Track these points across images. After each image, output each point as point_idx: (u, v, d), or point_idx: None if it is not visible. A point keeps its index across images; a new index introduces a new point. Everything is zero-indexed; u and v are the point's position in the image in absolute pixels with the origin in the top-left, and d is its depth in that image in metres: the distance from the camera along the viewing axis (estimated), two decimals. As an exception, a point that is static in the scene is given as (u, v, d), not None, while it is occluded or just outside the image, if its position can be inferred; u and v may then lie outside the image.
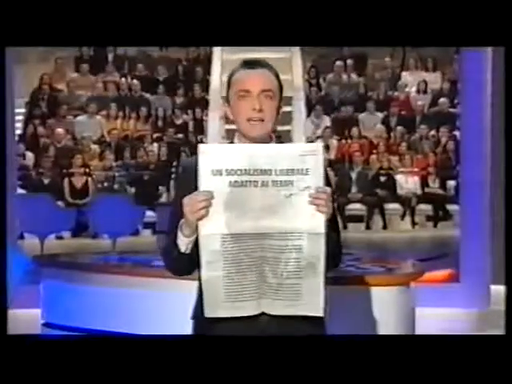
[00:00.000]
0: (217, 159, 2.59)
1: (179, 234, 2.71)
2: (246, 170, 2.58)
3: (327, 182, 2.67)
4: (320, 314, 2.65)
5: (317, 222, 2.59)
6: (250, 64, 2.88)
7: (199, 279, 2.71)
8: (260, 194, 2.59)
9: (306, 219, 2.59)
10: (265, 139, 2.83)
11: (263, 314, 2.67)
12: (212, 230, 2.60)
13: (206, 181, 2.59)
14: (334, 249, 2.76)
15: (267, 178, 2.58)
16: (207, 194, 2.60)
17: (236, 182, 2.58)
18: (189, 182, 2.71)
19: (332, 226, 2.72)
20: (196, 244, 2.66)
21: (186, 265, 2.77)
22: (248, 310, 2.64)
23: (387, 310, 5.12)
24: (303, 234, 2.60)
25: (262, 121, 2.80)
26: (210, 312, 2.65)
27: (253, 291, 2.63)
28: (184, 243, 2.71)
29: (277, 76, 2.89)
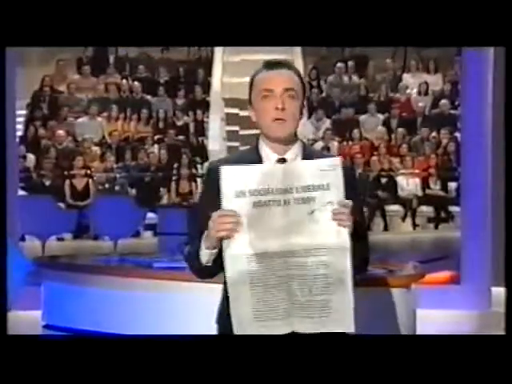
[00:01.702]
0: (239, 181, 2.62)
1: (202, 247, 2.72)
2: (267, 189, 2.60)
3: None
4: (351, 330, 2.64)
5: (342, 236, 2.59)
6: (272, 65, 2.87)
7: (224, 283, 2.72)
8: (283, 213, 2.60)
9: (330, 234, 2.60)
10: (289, 140, 2.83)
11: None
12: (237, 251, 2.61)
13: (229, 202, 2.61)
14: (363, 256, 2.76)
15: (289, 196, 2.60)
16: (234, 215, 2.61)
17: (259, 201, 2.60)
18: (215, 185, 2.70)
19: (361, 234, 2.71)
20: (220, 254, 2.67)
21: (209, 273, 2.80)
22: (278, 328, 2.64)
23: (388, 311, 5.13)
24: (329, 250, 2.60)
25: (284, 120, 2.79)
26: (239, 330, 2.65)
27: (282, 310, 2.63)
28: (206, 255, 2.72)
29: (299, 76, 2.88)
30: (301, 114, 2.85)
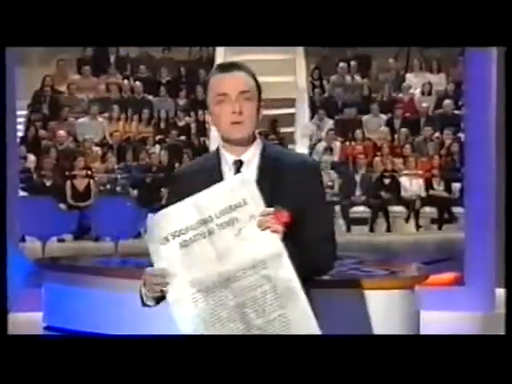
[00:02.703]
0: (162, 227, 2.61)
1: (142, 290, 2.74)
2: (187, 226, 2.59)
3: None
4: (317, 332, 2.60)
5: (273, 244, 2.56)
6: (224, 67, 2.86)
7: None
8: (210, 243, 2.59)
9: (261, 246, 2.56)
10: (247, 141, 2.82)
11: None
12: (180, 295, 2.59)
13: (157, 253, 2.60)
14: (315, 257, 2.74)
15: (210, 224, 2.59)
16: (161, 273, 2.61)
17: (185, 241, 2.59)
18: (179, 192, 2.73)
19: (306, 235, 2.71)
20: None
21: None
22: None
23: (392, 313, 5.12)
24: (265, 262, 2.56)
25: (241, 123, 2.77)
26: None
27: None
28: (148, 300, 2.76)
29: (254, 77, 2.86)
30: (258, 113, 2.83)
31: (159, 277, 2.61)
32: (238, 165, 2.81)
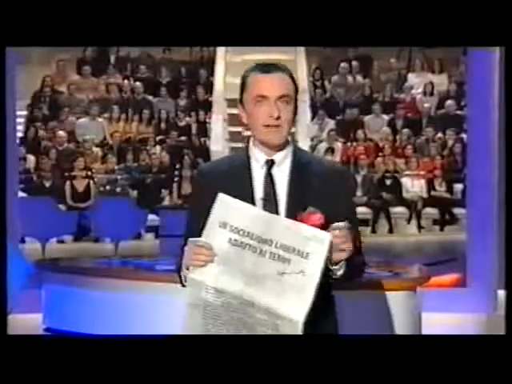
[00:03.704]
0: (227, 212, 2.60)
1: (182, 266, 2.73)
2: (248, 232, 2.59)
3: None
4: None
5: (298, 309, 2.55)
6: (265, 67, 2.83)
7: None
8: (254, 261, 2.58)
9: (289, 303, 2.55)
10: (282, 145, 2.82)
11: None
12: (199, 277, 2.60)
13: (211, 230, 2.62)
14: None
15: (266, 247, 2.58)
16: (210, 249, 2.60)
17: (236, 240, 2.60)
18: (205, 188, 2.76)
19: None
20: None
21: None
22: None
23: (393, 314, 5.13)
24: (282, 318, 2.56)
25: (279, 127, 2.78)
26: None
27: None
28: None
29: (292, 78, 2.85)
30: (294, 117, 2.83)
31: (207, 250, 2.60)
32: (270, 164, 2.82)
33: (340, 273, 2.70)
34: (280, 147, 2.82)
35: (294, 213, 2.69)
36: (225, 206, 2.61)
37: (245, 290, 2.57)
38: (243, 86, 2.85)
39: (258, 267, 2.57)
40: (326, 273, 2.63)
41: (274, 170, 2.82)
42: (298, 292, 2.54)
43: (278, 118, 2.76)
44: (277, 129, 2.78)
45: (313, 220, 2.62)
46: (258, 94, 2.78)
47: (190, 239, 2.65)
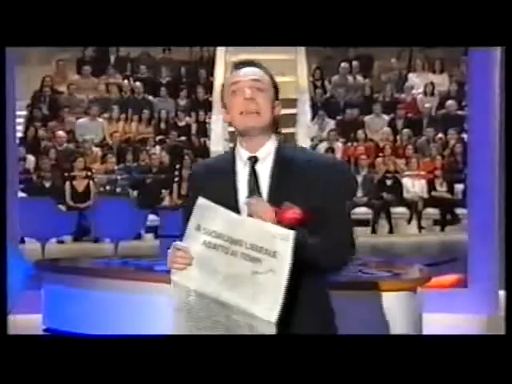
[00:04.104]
0: (203, 215, 2.66)
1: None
2: (220, 234, 2.63)
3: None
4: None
5: (271, 309, 2.57)
6: (240, 64, 2.91)
7: None
8: (227, 262, 2.62)
9: (262, 303, 2.58)
10: (261, 133, 2.84)
11: None
12: (181, 280, 2.67)
13: (188, 231, 2.68)
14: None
15: (237, 248, 2.61)
16: (187, 253, 2.66)
17: (209, 242, 2.64)
18: (198, 188, 2.84)
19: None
20: None
21: None
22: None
23: (394, 315, 5.12)
24: (257, 319, 2.59)
25: (258, 113, 2.81)
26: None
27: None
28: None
29: (269, 75, 2.90)
30: (273, 108, 2.84)
31: (182, 251, 2.68)
32: (253, 161, 2.85)
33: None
34: (259, 137, 2.85)
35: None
36: (201, 210, 2.67)
37: (221, 292, 2.61)
38: (223, 89, 2.93)
39: (231, 268, 2.61)
40: (297, 270, 2.64)
41: (258, 167, 2.85)
42: (270, 291, 2.57)
43: (252, 99, 2.80)
44: (254, 114, 2.81)
45: (290, 214, 2.65)
46: (231, 82, 2.86)
47: (173, 243, 2.72)
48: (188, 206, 2.87)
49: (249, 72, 2.86)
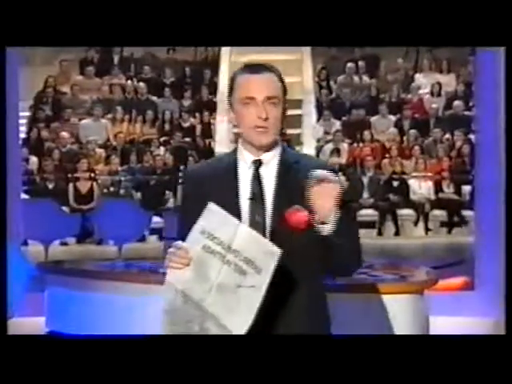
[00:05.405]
0: (210, 220, 2.65)
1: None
2: (221, 241, 2.62)
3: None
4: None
5: (241, 324, 2.59)
6: (253, 68, 2.84)
7: None
8: (219, 270, 2.62)
9: (236, 317, 2.59)
10: (270, 146, 2.84)
11: None
12: (173, 279, 2.68)
13: (192, 234, 2.66)
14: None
15: (232, 257, 2.61)
16: (187, 254, 2.64)
17: (209, 247, 2.63)
18: (194, 190, 2.83)
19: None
20: None
21: None
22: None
23: (400, 318, 5.11)
24: (226, 329, 2.61)
25: (267, 128, 2.78)
26: None
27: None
28: None
29: (281, 79, 2.85)
30: (283, 119, 2.83)
31: (181, 251, 2.65)
32: (258, 164, 2.85)
33: (328, 227, 2.67)
34: (268, 147, 2.84)
35: (280, 212, 2.72)
36: (210, 215, 2.65)
37: (205, 299, 2.62)
38: (231, 88, 2.86)
39: (222, 277, 2.61)
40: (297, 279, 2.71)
41: (262, 170, 2.84)
42: (246, 307, 2.59)
43: (266, 119, 2.77)
44: (264, 130, 2.79)
45: (298, 216, 2.65)
46: (246, 96, 2.80)
47: (174, 242, 2.69)
48: (184, 206, 2.90)
49: (264, 85, 2.79)
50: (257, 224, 2.76)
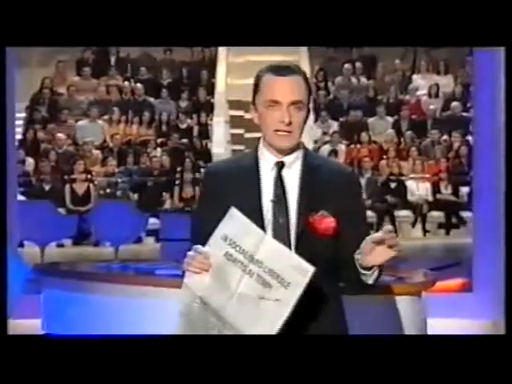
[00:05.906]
0: (233, 226, 2.62)
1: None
2: (243, 250, 2.60)
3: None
4: None
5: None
6: (279, 70, 2.80)
7: None
8: (240, 279, 2.59)
9: (257, 330, 2.57)
10: (292, 149, 2.82)
11: None
12: (192, 283, 2.64)
13: (214, 239, 2.63)
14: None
15: (255, 268, 2.58)
16: (207, 259, 2.61)
17: (231, 255, 2.60)
18: (213, 188, 2.81)
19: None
20: None
21: None
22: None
23: (398, 320, 5.07)
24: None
25: (290, 132, 2.76)
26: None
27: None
28: None
29: (306, 80, 2.82)
30: (305, 122, 2.81)
31: (202, 256, 2.62)
32: (280, 166, 2.82)
33: (373, 277, 2.75)
34: (290, 151, 2.81)
35: (304, 215, 2.73)
36: (233, 221, 2.62)
37: (225, 307, 2.59)
38: (256, 88, 2.83)
39: (243, 286, 2.59)
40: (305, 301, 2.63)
41: (284, 172, 2.81)
42: (269, 320, 2.56)
43: (290, 123, 2.75)
44: (287, 134, 2.77)
45: (326, 223, 2.68)
46: (271, 99, 2.77)
47: (194, 246, 2.65)
48: (200, 206, 2.89)
49: (289, 89, 2.76)
50: (280, 226, 2.75)
